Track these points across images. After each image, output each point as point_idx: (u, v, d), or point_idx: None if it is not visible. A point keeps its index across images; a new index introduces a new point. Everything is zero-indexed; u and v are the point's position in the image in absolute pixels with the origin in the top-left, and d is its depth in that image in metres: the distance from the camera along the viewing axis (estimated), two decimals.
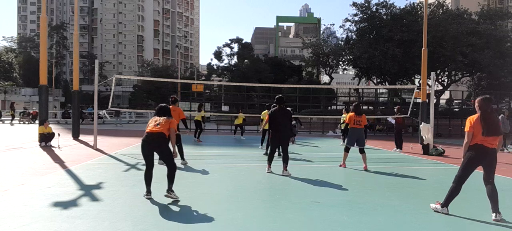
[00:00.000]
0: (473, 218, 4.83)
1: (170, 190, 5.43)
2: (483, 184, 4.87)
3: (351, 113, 9.03)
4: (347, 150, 9.05)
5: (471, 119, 4.76)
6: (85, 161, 9.17)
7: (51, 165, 8.46)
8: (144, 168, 5.60)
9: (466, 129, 4.80)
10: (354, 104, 9.40)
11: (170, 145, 5.61)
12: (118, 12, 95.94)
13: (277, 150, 8.81)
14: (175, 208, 5.02)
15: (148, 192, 5.50)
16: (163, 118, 5.55)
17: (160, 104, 5.85)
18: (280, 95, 8.02)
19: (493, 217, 4.69)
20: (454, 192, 4.88)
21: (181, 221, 4.48)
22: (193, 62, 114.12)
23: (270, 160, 8.04)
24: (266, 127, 12.79)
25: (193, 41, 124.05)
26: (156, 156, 5.64)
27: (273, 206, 5.28)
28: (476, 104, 4.81)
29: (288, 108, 8.43)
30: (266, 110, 13.26)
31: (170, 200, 5.36)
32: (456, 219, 4.80)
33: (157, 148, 5.50)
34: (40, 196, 5.46)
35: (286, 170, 7.75)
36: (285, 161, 7.82)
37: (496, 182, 4.85)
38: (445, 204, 4.96)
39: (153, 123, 5.54)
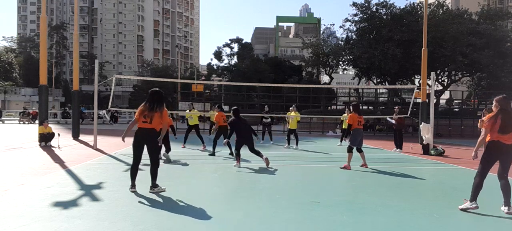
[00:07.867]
0: (474, 217, 4.83)
1: (153, 186, 5.63)
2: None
3: (353, 114, 8.94)
4: (350, 150, 8.90)
5: (489, 116, 4.97)
6: (85, 161, 9.17)
7: (51, 165, 8.46)
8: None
9: (483, 125, 5.01)
10: (353, 104, 9.26)
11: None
12: (118, 12, 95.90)
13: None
14: (174, 208, 5.01)
15: (133, 185, 5.78)
16: (156, 113, 5.60)
17: (152, 89, 5.77)
18: (236, 107, 9.19)
19: (506, 210, 4.89)
20: (478, 186, 5.01)
21: (181, 221, 4.47)
22: (193, 62, 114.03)
23: (238, 156, 8.82)
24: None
25: (193, 41, 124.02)
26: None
27: (273, 206, 5.27)
28: (495, 102, 5.00)
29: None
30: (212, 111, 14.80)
31: (170, 200, 5.36)
32: (456, 219, 4.80)
33: (147, 142, 5.64)
34: (40, 196, 5.46)
35: (266, 160, 8.66)
36: (260, 155, 8.77)
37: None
38: (473, 198, 5.00)
39: (144, 117, 5.59)
